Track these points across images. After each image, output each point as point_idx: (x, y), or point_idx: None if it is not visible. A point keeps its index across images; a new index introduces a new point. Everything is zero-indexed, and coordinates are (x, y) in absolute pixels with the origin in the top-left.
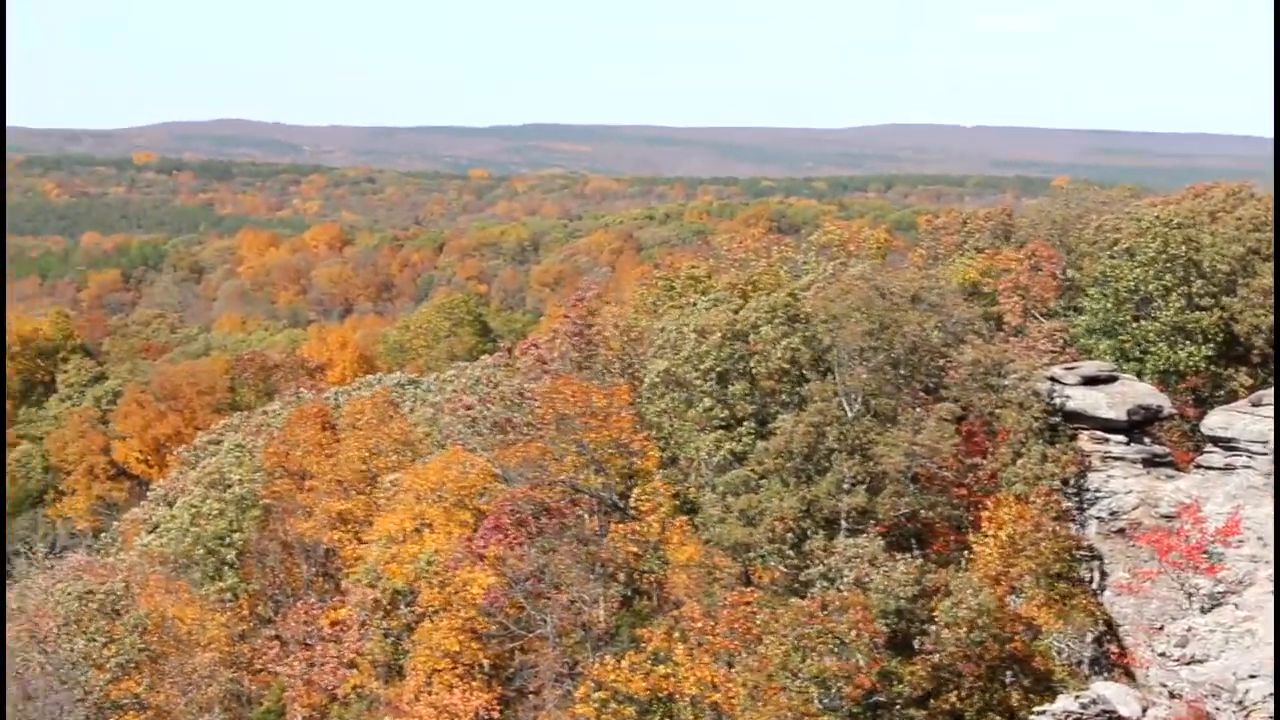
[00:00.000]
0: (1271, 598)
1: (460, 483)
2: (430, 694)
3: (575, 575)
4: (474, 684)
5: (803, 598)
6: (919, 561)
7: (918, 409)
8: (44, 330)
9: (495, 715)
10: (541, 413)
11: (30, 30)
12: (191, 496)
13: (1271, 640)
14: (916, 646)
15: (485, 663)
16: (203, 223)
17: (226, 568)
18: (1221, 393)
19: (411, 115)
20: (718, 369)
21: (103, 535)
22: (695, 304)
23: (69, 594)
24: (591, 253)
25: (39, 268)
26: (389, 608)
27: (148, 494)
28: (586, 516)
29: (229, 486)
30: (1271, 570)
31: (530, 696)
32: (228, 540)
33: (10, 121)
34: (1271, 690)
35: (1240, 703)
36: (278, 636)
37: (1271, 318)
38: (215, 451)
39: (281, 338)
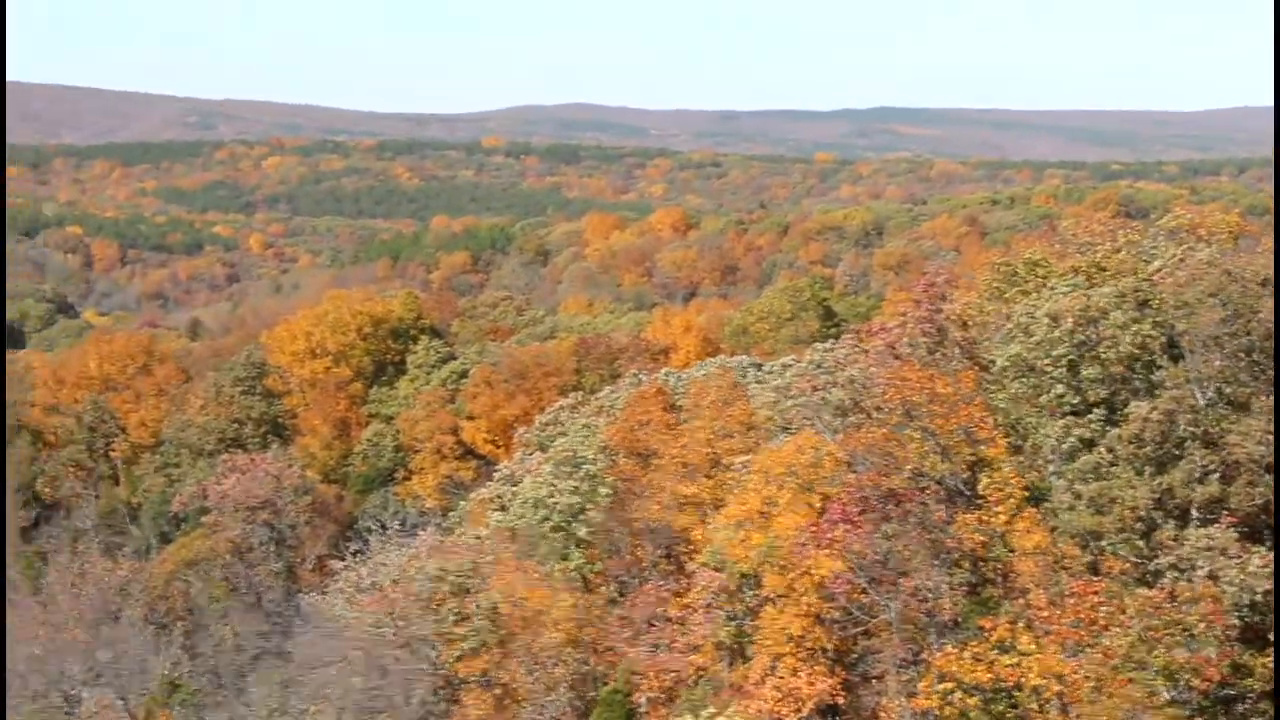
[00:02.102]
0: None
1: (810, 467)
2: (775, 678)
3: (920, 562)
4: (818, 669)
5: (1151, 588)
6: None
7: (1272, 397)
8: (395, 311)
9: (839, 700)
10: (888, 398)
11: (382, 16)
12: (542, 475)
13: None
14: (1270, 639)
15: (829, 648)
16: (550, 206)
17: (575, 547)
18: None
19: (755, 99)
20: (1069, 355)
21: (450, 514)
22: (1051, 288)
23: (423, 572)
24: (936, 237)
25: (390, 250)
26: (734, 591)
27: (494, 474)
28: (932, 503)
29: (579, 465)
30: None
31: (873, 682)
32: (578, 520)
33: (362, 107)
34: None
35: None
36: (625, 617)
37: None
38: (554, 433)
39: (626, 321)
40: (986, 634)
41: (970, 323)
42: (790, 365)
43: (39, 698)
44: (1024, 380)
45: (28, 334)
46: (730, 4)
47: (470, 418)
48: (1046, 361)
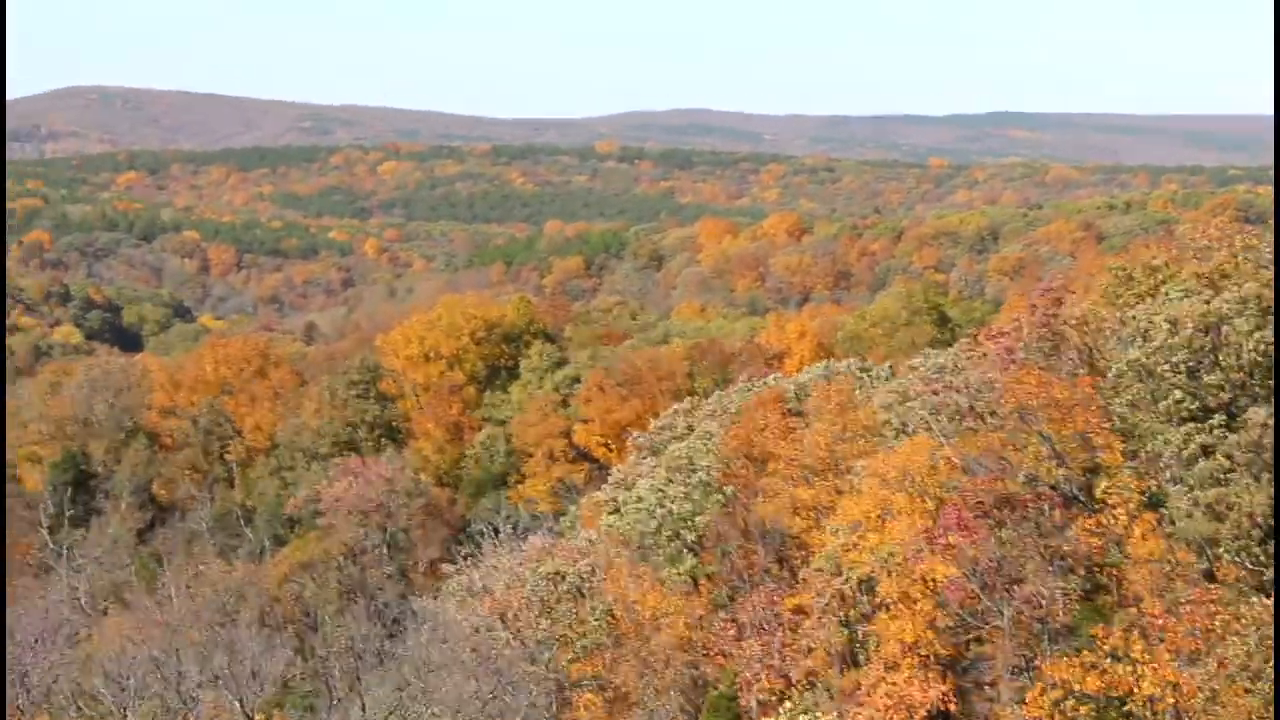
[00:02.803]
0: None
1: (926, 472)
2: (887, 684)
3: (1034, 568)
4: (931, 675)
5: (1269, 597)
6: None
7: None
8: (509, 316)
9: (951, 707)
10: (1004, 403)
11: (498, 25)
12: (656, 479)
13: None
14: None
15: (942, 654)
16: (663, 210)
17: (687, 552)
18: None
19: (868, 104)
20: (1188, 361)
21: (562, 517)
22: (1167, 294)
23: (539, 574)
24: (1051, 242)
25: (504, 255)
26: (847, 596)
27: (608, 478)
28: (1047, 509)
29: (694, 471)
30: None
31: (985, 689)
32: (690, 524)
33: (477, 112)
34: None
35: None
36: (735, 621)
37: None
38: (667, 437)
39: (740, 326)
40: (1099, 641)
41: (1087, 327)
42: (915, 369)
43: (156, 698)
44: (1141, 385)
45: (145, 337)
46: (843, 9)
47: (583, 421)
48: (1165, 367)
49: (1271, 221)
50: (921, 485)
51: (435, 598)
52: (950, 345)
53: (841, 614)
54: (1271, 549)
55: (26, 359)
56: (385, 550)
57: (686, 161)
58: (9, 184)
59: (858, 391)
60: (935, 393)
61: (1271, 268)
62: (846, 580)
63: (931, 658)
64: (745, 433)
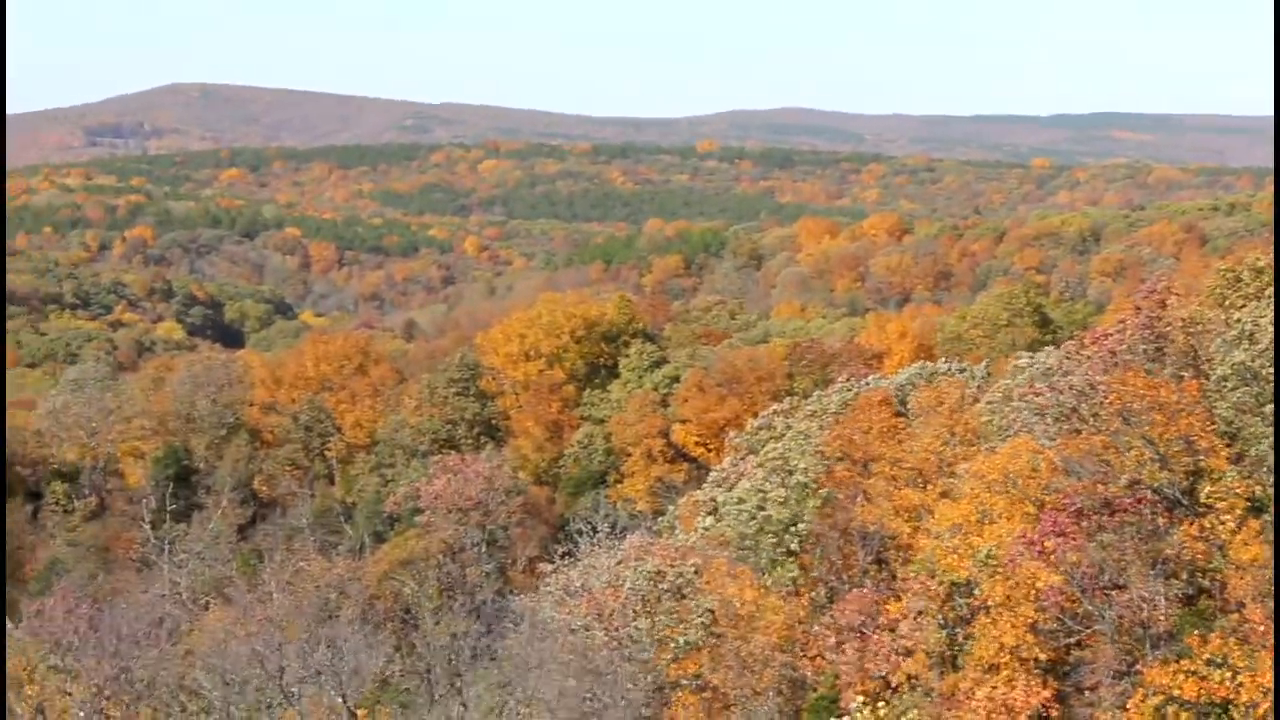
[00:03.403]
0: None
1: (1028, 474)
2: (987, 687)
3: (1136, 572)
4: (1032, 679)
5: None
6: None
7: None
8: (608, 315)
9: (1052, 712)
10: (1107, 405)
11: (599, 25)
12: (755, 480)
13: None
14: None
15: (1043, 658)
16: (763, 210)
17: (787, 554)
18: None
19: (970, 104)
20: None
21: (661, 517)
22: (1273, 296)
23: (639, 573)
24: (1154, 243)
25: (603, 253)
26: (947, 598)
27: (707, 478)
28: (1149, 512)
29: (792, 472)
30: None
31: (1086, 694)
32: (791, 528)
33: (578, 111)
34: None
35: None
36: (834, 623)
37: None
38: (766, 437)
39: (839, 326)
40: (1198, 648)
41: (1193, 329)
42: (1021, 370)
43: (257, 693)
44: (1247, 389)
45: (246, 334)
46: (947, 9)
47: (681, 421)
48: (1270, 370)
49: None
50: (1023, 488)
51: (534, 596)
52: (1051, 347)
53: (941, 616)
54: None
55: (130, 355)
56: (484, 548)
57: (787, 161)
58: (113, 180)
59: (965, 394)
60: (1037, 394)
61: None
62: (943, 582)
63: (1032, 661)
64: (848, 433)
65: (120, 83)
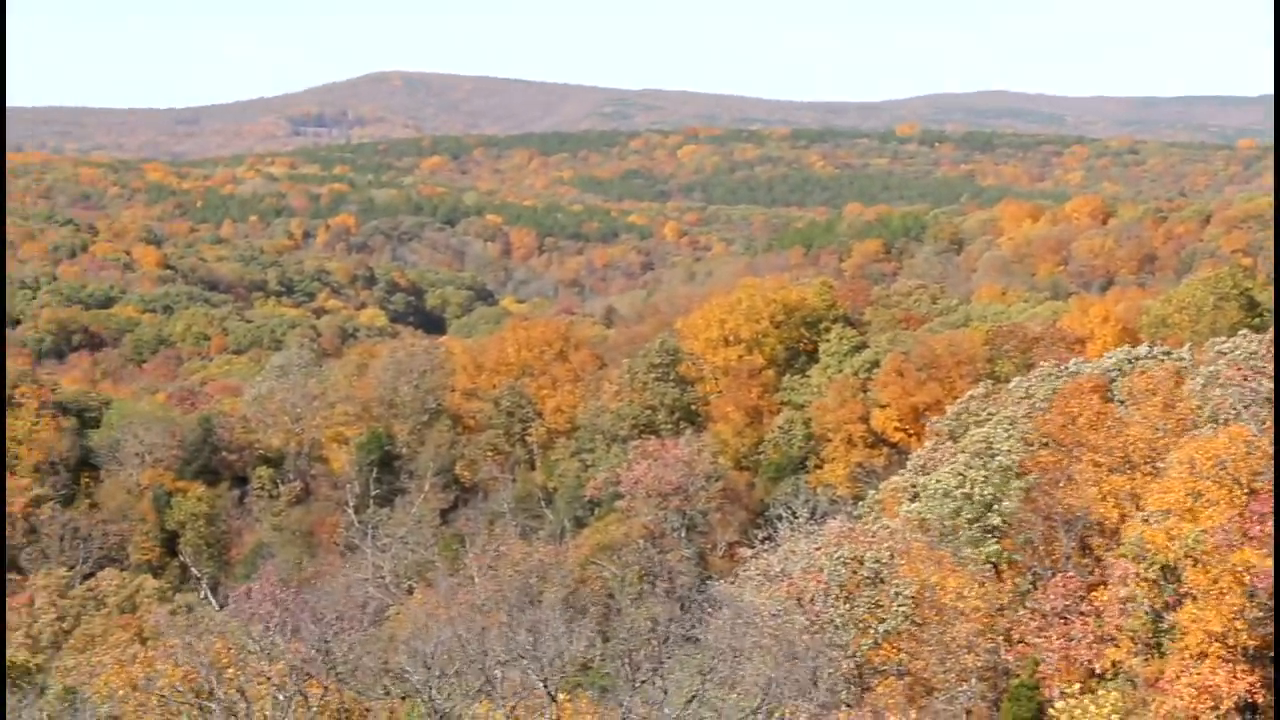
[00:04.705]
0: None
1: (1240, 460)
2: (1193, 673)
3: None
4: (1238, 666)
5: None
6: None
7: None
8: (809, 300)
9: (1258, 699)
10: None
11: (798, 8)
12: (957, 464)
13: None
14: None
15: (1250, 645)
16: (963, 194)
17: (989, 536)
18: None
19: (1177, 84)
20: None
21: (861, 502)
22: None
23: (837, 559)
24: None
25: (803, 238)
26: (1153, 584)
27: (907, 462)
28: None
29: (994, 456)
30: None
31: None
32: (994, 509)
33: (777, 95)
34: None
35: None
36: (1038, 609)
37: None
38: (967, 421)
39: (1042, 310)
40: None
41: None
42: (1228, 353)
43: (459, 676)
44: None
45: (448, 320)
46: None
47: (881, 406)
48: None
49: None
50: (1235, 473)
51: (733, 581)
52: (1259, 331)
53: (1147, 603)
54: None
55: (333, 341)
56: (684, 533)
57: (988, 144)
58: (316, 168)
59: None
60: (1246, 378)
61: None
62: (1150, 566)
63: (1239, 648)
64: (1060, 420)
65: (324, 72)
